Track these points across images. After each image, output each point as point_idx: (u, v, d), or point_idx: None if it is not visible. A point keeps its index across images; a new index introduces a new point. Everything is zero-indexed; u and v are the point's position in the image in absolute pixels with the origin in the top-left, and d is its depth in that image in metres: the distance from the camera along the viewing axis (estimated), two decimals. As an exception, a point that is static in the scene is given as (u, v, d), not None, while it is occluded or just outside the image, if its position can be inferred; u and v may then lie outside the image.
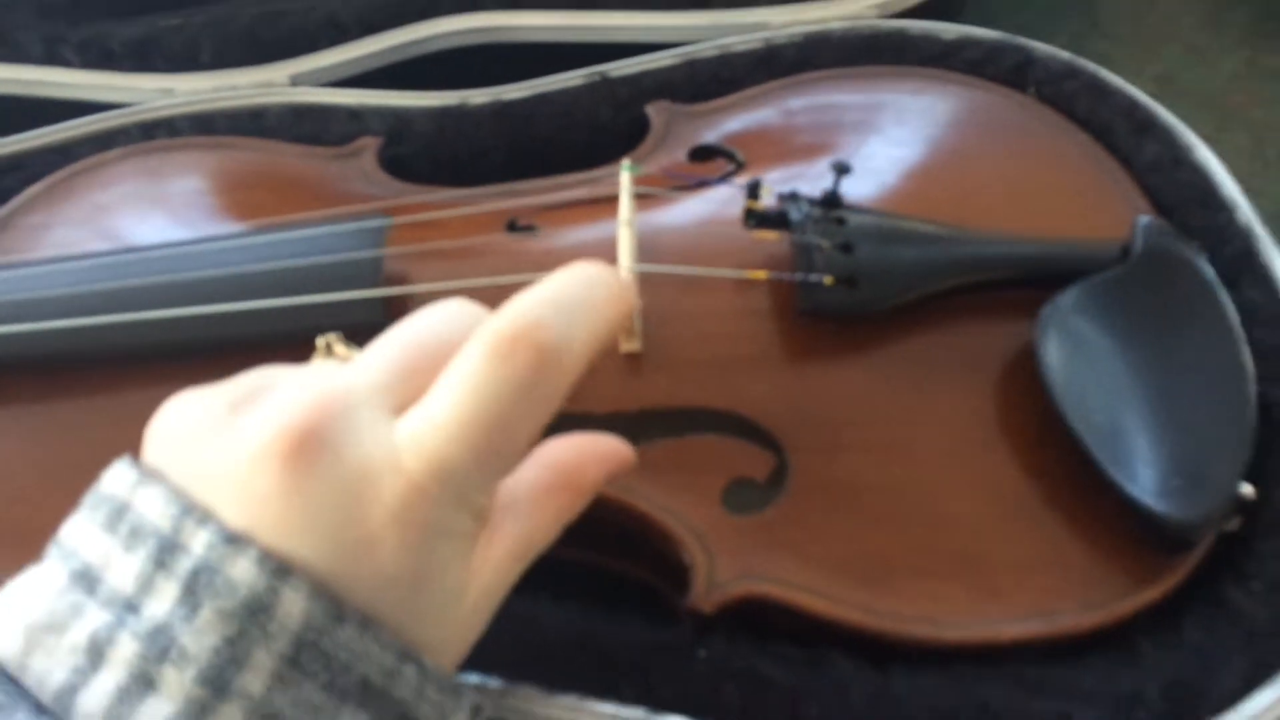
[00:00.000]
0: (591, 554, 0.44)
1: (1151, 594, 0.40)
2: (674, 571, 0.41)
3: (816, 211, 0.45)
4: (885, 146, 0.52)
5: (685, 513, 0.42)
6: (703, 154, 0.53)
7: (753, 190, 0.45)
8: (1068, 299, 0.44)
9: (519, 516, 0.34)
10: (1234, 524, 0.42)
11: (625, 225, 0.45)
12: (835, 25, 0.60)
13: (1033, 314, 0.44)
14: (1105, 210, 0.50)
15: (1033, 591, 0.40)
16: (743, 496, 0.42)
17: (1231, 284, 0.47)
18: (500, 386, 0.29)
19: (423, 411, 0.30)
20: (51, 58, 0.62)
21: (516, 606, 0.40)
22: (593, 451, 0.36)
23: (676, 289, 0.45)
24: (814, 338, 0.45)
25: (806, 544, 0.41)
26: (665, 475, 0.43)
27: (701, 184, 0.48)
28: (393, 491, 0.29)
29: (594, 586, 0.42)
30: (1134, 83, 0.56)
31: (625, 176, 0.46)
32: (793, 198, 0.46)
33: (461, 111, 0.57)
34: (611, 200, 0.49)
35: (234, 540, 0.27)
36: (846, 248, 0.44)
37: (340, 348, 0.36)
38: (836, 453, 0.43)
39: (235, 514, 0.28)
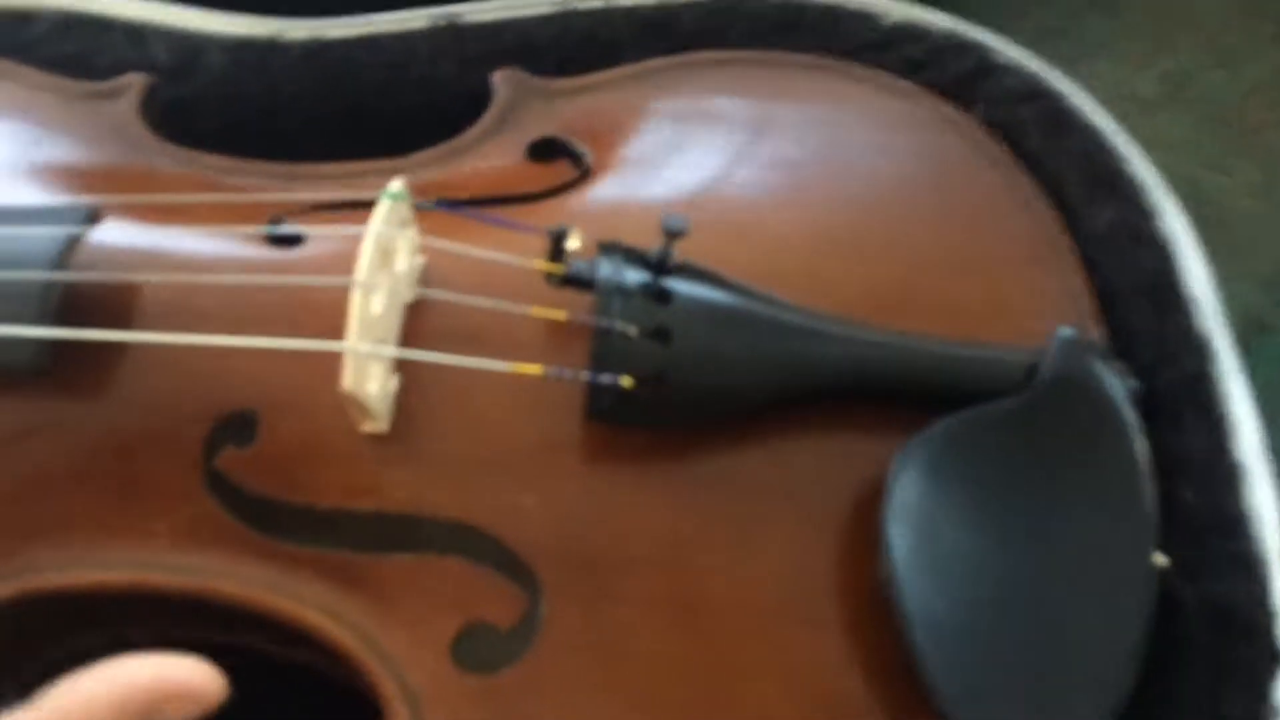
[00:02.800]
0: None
1: None
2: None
3: (634, 278, 0.34)
4: (771, 173, 0.41)
5: (402, 660, 0.33)
6: (544, 151, 0.42)
7: (556, 243, 0.34)
8: (938, 436, 0.34)
9: None
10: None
11: (366, 280, 0.33)
12: (756, -13, 0.47)
13: (903, 439, 0.34)
14: (1029, 298, 0.39)
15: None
16: (477, 648, 0.33)
17: (1171, 420, 0.37)
18: None
19: None
20: None
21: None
22: (174, 689, 0.26)
23: (454, 348, 0.35)
24: (610, 443, 0.35)
25: (543, 726, 0.32)
26: (389, 606, 0.33)
27: (494, 223, 0.37)
28: None
29: None
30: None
31: (384, 207, 0.35)
32: (613, 251, 0.35)
33: (269, 47, 0.46)
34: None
35: None
36: (662, 335, 0.34)
37: None
38: (607, 604, 0.33)
39: None
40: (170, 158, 0.41)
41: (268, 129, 0.46)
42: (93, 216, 0.35)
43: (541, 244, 0.35)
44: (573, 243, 0.35)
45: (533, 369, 0.33)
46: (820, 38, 0.46)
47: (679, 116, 0.43)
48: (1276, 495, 0.35)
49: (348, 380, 0.31)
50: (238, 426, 0.35)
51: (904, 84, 0.44)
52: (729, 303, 0.35)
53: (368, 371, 0.33)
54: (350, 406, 0.33)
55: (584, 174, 0.41)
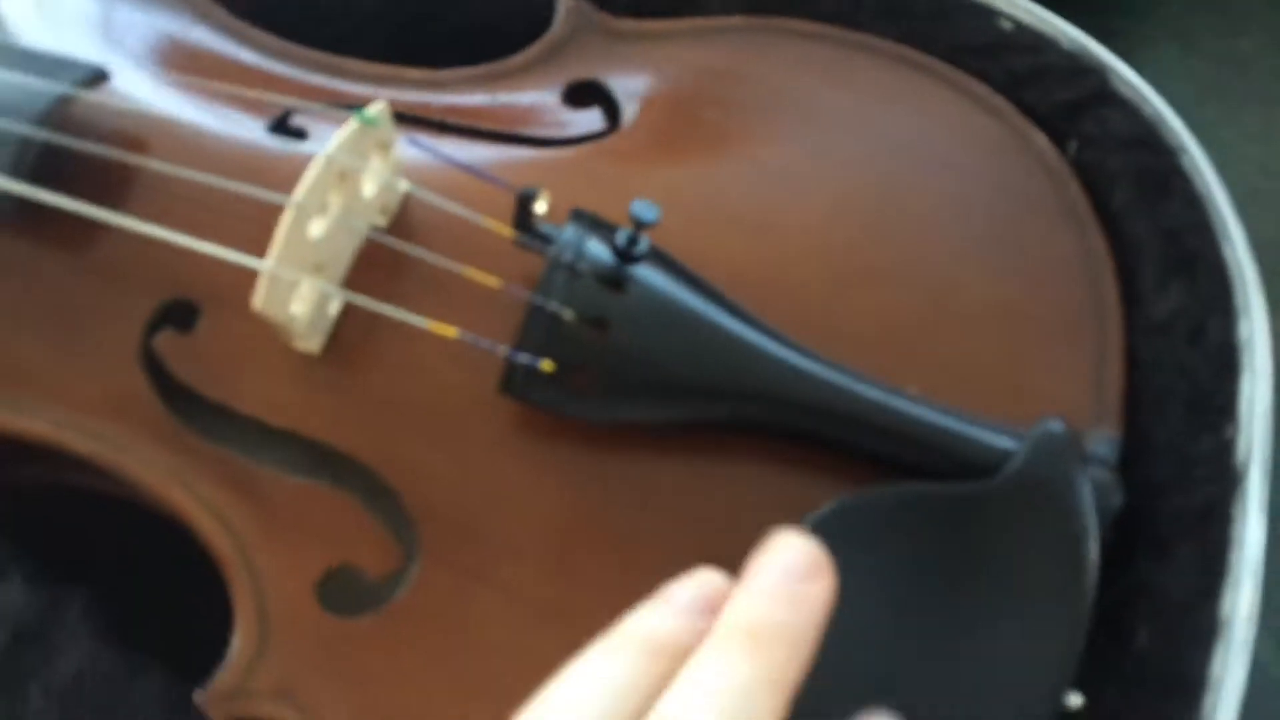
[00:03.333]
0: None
1: None
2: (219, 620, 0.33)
3: (594, 257, 0.32)
4: (815, 170, 0.37)
5: (268, 580, 0.33)
6: (581, 94, 0.40)
7: (522, 205, 0.32)
8: (864, 505, 0.31)
9: None
10: None
11: (303, 201, 0.32)
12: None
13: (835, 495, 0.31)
14: (1049, 375, 0.35)
15: None
16: (341, 589, 0.33)
17: (1159, 550, 0.33)
18: None
19: None
20: None
21: None
22: None
23: (397, 290, 0.34)
24: (532, 423, 0.33)
25: (374, 683, 0.32)
26: (272, 524, 0.33)
27: (466, 170, 0.35)
28: None
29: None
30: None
31: (350, 129, 0.33)
32: (583, 221, 0.33)
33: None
34: (412, 123, 0.37)
35: None
36: (598, 324, 0.31)
37: None
38: (478, 584, 0.32)
39: None
40: (217, 22, 0.41)
41: (324, 20, 0.45)
42: (95, 79, 0.36)
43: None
44: (540, 206, 0.33)
45: (448, 331, 0.31)
46: (924, 27, 0.41)
47: (736, 88, 0.39)
48: (1247, 672, 0.31)
49: (259, 299, 0.31)
50: (181, 313, 0.35)
51: (997, 100, 0.39)
52: (686, 305, 0.32)
53: (293, 293, 0.32)
54: (269, 323, 0.32)
55: (609, 129, 0.39)
